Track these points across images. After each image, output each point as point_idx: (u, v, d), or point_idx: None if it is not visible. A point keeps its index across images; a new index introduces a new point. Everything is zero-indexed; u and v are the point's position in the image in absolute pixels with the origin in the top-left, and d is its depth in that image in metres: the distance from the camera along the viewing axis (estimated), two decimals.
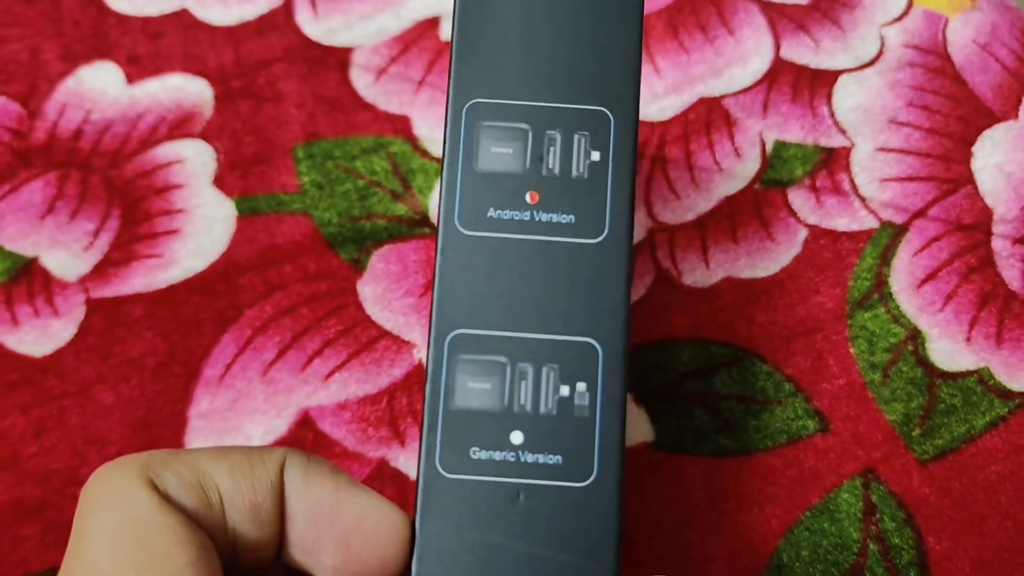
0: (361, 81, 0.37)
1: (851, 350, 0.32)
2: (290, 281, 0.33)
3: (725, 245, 0.34)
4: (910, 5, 0.39)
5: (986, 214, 0.35)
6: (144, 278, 0.33)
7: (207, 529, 0.18)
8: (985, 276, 0.33)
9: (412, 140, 0.36)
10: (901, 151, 0.36)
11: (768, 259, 0.34)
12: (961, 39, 0.39)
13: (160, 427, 0.31)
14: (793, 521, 0.29)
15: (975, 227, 0.34)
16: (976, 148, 0.36)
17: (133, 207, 0.35)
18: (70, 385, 0.31)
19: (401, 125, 0.36)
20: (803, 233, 0.34)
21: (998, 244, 0.34)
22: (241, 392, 0.31)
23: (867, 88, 0.37)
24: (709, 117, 0.36)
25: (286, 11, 0.39)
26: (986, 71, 0.38)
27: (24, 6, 0.39)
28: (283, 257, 0.34)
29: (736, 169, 0.35)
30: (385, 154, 0.36)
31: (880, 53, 0.38)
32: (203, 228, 0.34)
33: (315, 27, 0.39)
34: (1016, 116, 0.37)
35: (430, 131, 0.36)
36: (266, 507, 0.19)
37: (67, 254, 0.34)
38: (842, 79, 0.37)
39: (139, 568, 0.17)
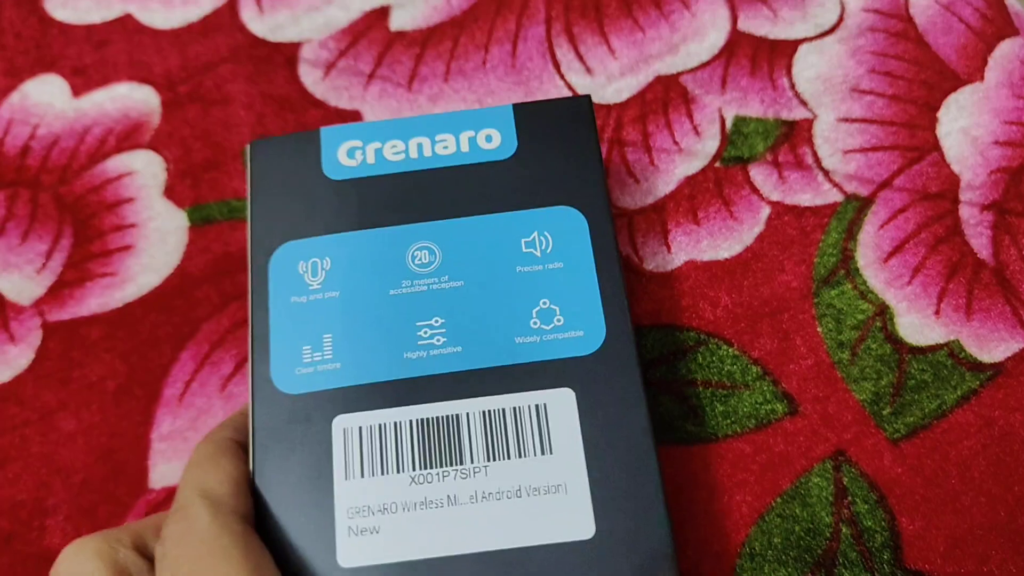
0: (310, 77, 0.37)
1: (818, 329, 0.32)
2: (245, 290, 0.33)
3: (687, 227, 0.33)
4: None
5: (953, 181, 0.34)
6: (100, 298, 0.33)
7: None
8: (953, 246, 0.33)
9: None
10: (864, 120, 0.35)
11: (731, 239, 0.33)
12: (923, 0, 0.38)
13: (123, 452, 0.30)
14: (764, 508, 0.29)
15: (942, 195, 0.34)
16: (941, 113, 0.35)
17: (85, 224, 0.34)
18: (30, 413, 0.31)
19: (351, 120, 0.36)
20: (766, 211, 0.34)
21: (966, 212, 0.33)
22: (201, 410, 0.31)
23: (828, 57, 0.36)
24: (666, 96, 0.36)
25: (230, 9, 0.38)
26: (950, 32, 0.37)
27: None
28: (237, 266, 0.33)
29: (696, 148, 0.35)
30: None
31: (840, 19, 0.37)
32: (156, 242, 0.34)
33: (261, 24, 0.38)
34: (982, 77, 0.36)
35: None
36: None
37: (20, 277, 0.33)
38: (802, 49, 0.36)
39: None
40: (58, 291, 0.33)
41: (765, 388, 0.31)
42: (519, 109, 0.28)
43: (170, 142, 0.35)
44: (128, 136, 0.35)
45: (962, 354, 0.31)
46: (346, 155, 0.28)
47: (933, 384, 0.31)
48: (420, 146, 0.28)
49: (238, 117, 0.36)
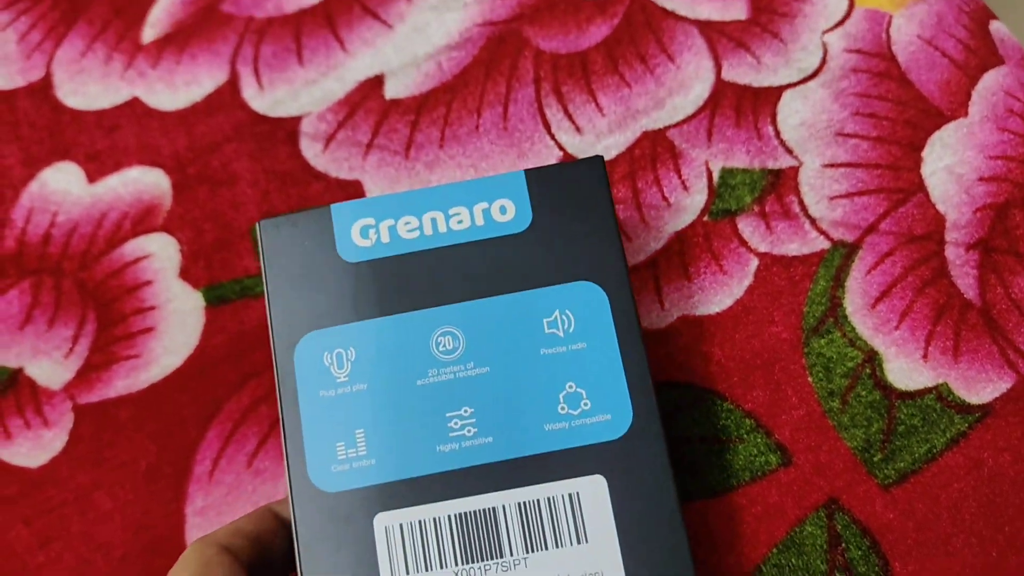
0: (311, 150, 0.38)
1: (809, 379, 0.33)
2: (262, 368, 0.34)
3: (678, 283, 0.34)
4: (852, 6, 0.39)
5: (938, 222, 0.35)
6: (126, 380, 0.35)
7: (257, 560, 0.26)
8: (939, 288, 0.34)
9: None
10: (849, 165, 0.36)
11: (721, 293, 0.34)
12: (905, 36, 0.38)
13: (159, 527, 0.32)
14: (761, 559, 0.30)
15: (928, 237, 0.35)
16: (925, 153, 0.36)
17: (107, 308, 0.36)
18: (68, 493, 0.33)
19: (353, 191, 0.37)
20: (755, 263, 0.35)
21: (951, 253, 0.34)
22: (231, 486, 0.33)
23: (812, 102, 0.37)
24: (654, 151, 0.37)
25: (232, 87, 0.39)
26: (933, 68, 0.38)
27: None
28: (253, 344, 0.35)
29: (684, 203, 0.36)
30: None
31: (823, 62, 0.38)
32: (176, 323, 0.35)
33: (261, 100, 0.39)
34: (965, 113, 0.37)
35: (382, 193, 0.37)
36: (280, 527, 0.27)
37: (50, 362, 0.35)
38: (786, 95, 0.37)
39: None
40: (86, 375, 0.35)
41: (759, 440, 0.32)
42: (532, 176, 0.28)
43: (182, 224, 0.37)
44: (142, 219, 0.37)
45: (950, 397, 0.32)
46: (359, 234, 0.28)
47: (922, 428, 0.32)
48: (434, 221, 0.28)
49: (245, 195, 0.37)
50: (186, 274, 0.36)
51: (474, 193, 0.28)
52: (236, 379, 0.34)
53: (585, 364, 0.26)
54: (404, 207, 0.28)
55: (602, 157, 0.29)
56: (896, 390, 0.32)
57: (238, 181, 0.38)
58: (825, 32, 0.38)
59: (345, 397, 0.26)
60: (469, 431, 0.26)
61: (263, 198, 0.37)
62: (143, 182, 0.38)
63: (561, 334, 0.27)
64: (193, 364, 0.35)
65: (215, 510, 0.33)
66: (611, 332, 0.27)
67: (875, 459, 0.32)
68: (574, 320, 0.27)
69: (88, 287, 0.36)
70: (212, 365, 0.35)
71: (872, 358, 0.33)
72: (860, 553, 0.30)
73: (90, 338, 0.35)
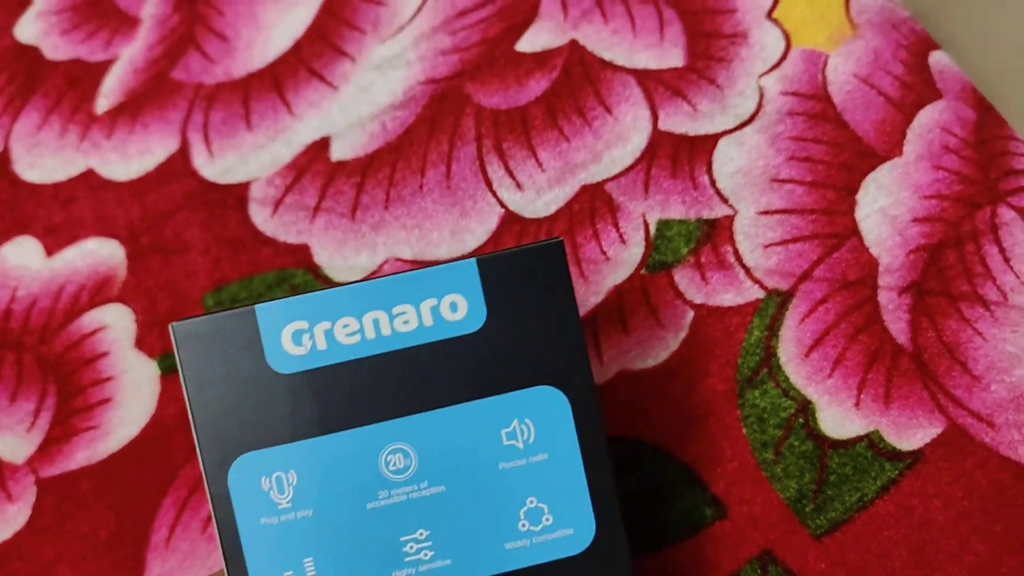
0: (260, 216, 0.39)
1: (743, 430, 0.33)
2: None
3: (616, 339, 0.35)
4: (788, 47, 0.39)
5: (872, 266, 0.35)
6: (86, 451, 0.36)
7: None
8: (872, 334, 0.34)
9: (314, 269, 0.38)
10: (784, 211, 0.37)
11: (659, 346, 0.35)
12: (842, 76, 0.39)
13: None
14: None
15: (861, 282, 0.35)
16: (860, 195, 0.37)
17: (67, 380, 0.37)
18: (33, 567, 0.34)
19: (302, 255, 0.38)
20: (690, 315, 0.35)
21: (884, 297, 0.35)
22: (187, 552, 0.34)
23: (747, 148, 0.38)
24: (593, 205, 0.37)
25: (183, 155, 0.40)
26: (868, 107, 0.38)
27: None
28: None
29: (622, 256, 0.36)
30: (289, 287, 0.38)
31: (759, 107, 0.38)
32: (132, 393, 0.37)
33: (212, 167, 0.40)
34: (900, 152, 0.37)
35: (329, 257, 0.38)
36: None
37: (13, 437, 0.36)
38: (721, 143, 0.38)
39: None
40: (48, 448, 0.36)
41: (695, 494, 0.33)
42: (484, 265, 0.26)
43: (137, 294, 0.38)
44: (99, 291, 0.38)
45: (881, 444, 0.33)
46: (292, 341, 0.25)
47: (854, 477, 0.32)
48: (377, 323, 0.25)
49: (197, 263, 0.38)
50: (141, 344, 0.37)
51: (421, 287, 0.25)
52: (189, 447, 0.35)
53: (546, 477, 0.25)
54: (341, 307, 0.25)
55: (562, 241, 0.26)
56: (829, 439, 0.33)
57: (190, 249, 0.39)
58: (762, 75, 0.39)
59: (289, 524, 0.25)
60: (426, 555, 0.25)
61: (215, 265, 0.38)
62: (99, 253, 0.39)
63: (521, 445, 0.25)
64: (149, 433, 0.36)
65: None
66: (574, 441, 0.25)
67: (807, 509, 0.32)
68: (534, 430, 0.25)
69: (48, 360, 0.38)
70: (167, 434, 0.36)
71: (805, 407, 0.34)
72: None
73: (51, 411, 0.37)
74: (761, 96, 0.38)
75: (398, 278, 0.26)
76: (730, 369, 0.34)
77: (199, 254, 0.39)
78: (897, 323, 0.34)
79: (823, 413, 0.33)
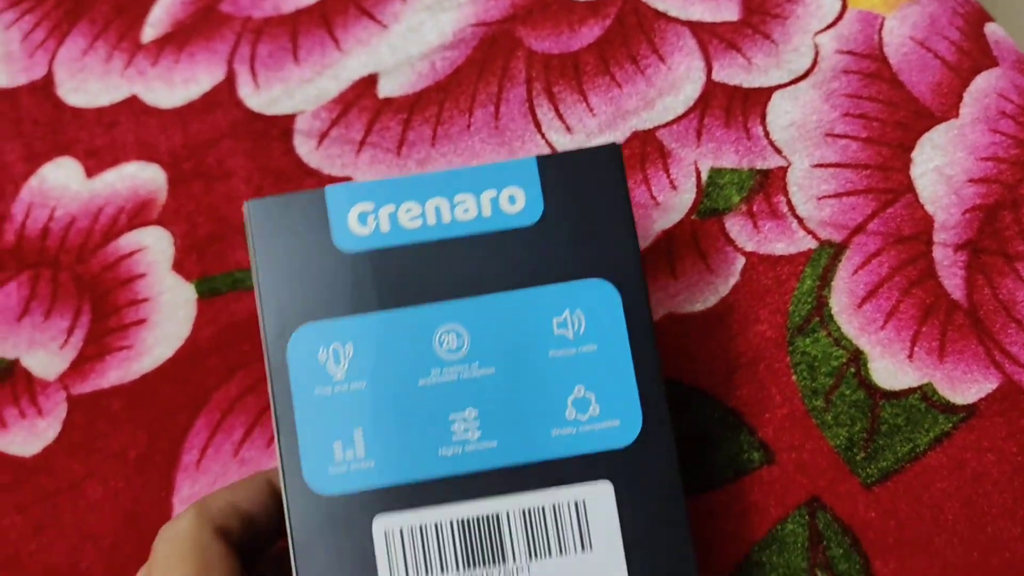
0: (304, 147, 0.39)
1: (793, 377, 0.33)
2: (250, 359, 0.35)
3: (664, 282, 0.35)
4: (844, 8, 0.39)
5: (927, 223, 0.35)
6: (119, 370, 0.35)
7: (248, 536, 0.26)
8: (926, 289, 0.34)
9: None
10: (838, 165, 0.36)
11: (707, 291, 0.34)
12: (897, 38, 0.38)
13: (148, 516, 0.33)
14: (741, 557, 0.30)
15: (916, 237, 0.35)
16: (915, 154, 0.36)
17: (102, 300, 0.36)
18: (61, 482, 0.34)
19: None
20: (741, 261, 0.35)
21: (939, 253, 0.34)
22: (218, 475, 0.33)
23: (802, 103, 0.37)
24: (644, 151, 0.37)
25: (228, 86, 0.40)
26: (924, 69, 0.38)
27: None
28: (242, 335, 0.35)
29: (672, 202, 0.36)
30: None
31: (814, 64, 0.38)
32: (168, 315, 0.36)
33: (257, 99, 0.40)
34: (956, 114, 0.37)
35: None
36: (270, 501, 0.27)
37: (45, 353, 0.36)
38: (776, 96, 0.37)
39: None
40: (80, 365, 0.35)
41: (742, 438, 0.32)
42: (544, 164, 0.27)
43: (177, 218, 0.37)
44: (138, 213, 0.38)
45: (935, 396, 0.32)
46: (357, 221, 0.26)
47: (906, 428, 0.32)
48: (438, 210, 0.26)
49: (239, 191, 0.38)
50: (179, 267, 0.37)
51: (482, 180, 0.26)
52: (225, 370, 0.35)
53: (595, 367, 0.25)
54: (406, 192, 0.26)
55: (619, 145, 0.27)
56: (880, 390, 0.32)
57: (232, 177, 0.38)
58: (817, 33, 0.38)
59: (342, 395, 0.25)
60: (473, 434, 0.25)
61: (256, 193, 0.38)
62: (140, 177, 0.39)
63: (571, 335, 0.26)
64: (184, 355, 0.35)
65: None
66: (623, 334, 0.26)
67: (858, 458, 0.32)
68: (585, 320, 0.26)
69: (84, 280, 0.37)
70: (202, 356, 0.35)
71: (857, 357, 0.33)
72: (841, 551, 0.30)
73: (85, 329, 0.36)
74: (816, 53, 0.38)
75: (462, 171, 0.27)
76: (780, 317, 0.34)
77: (241, 181, 0.38)
78: (952, 279, 0.34)
79: (875, 364, 0.33)
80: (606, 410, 0.25)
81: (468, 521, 0.24)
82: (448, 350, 0.25)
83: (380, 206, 0.26)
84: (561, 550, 0.24)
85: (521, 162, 0.27)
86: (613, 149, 0.27)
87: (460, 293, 0.26)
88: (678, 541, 0.25)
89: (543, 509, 0.24)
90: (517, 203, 0.26)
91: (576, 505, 0.25)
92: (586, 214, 0.26)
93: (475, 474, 0.25)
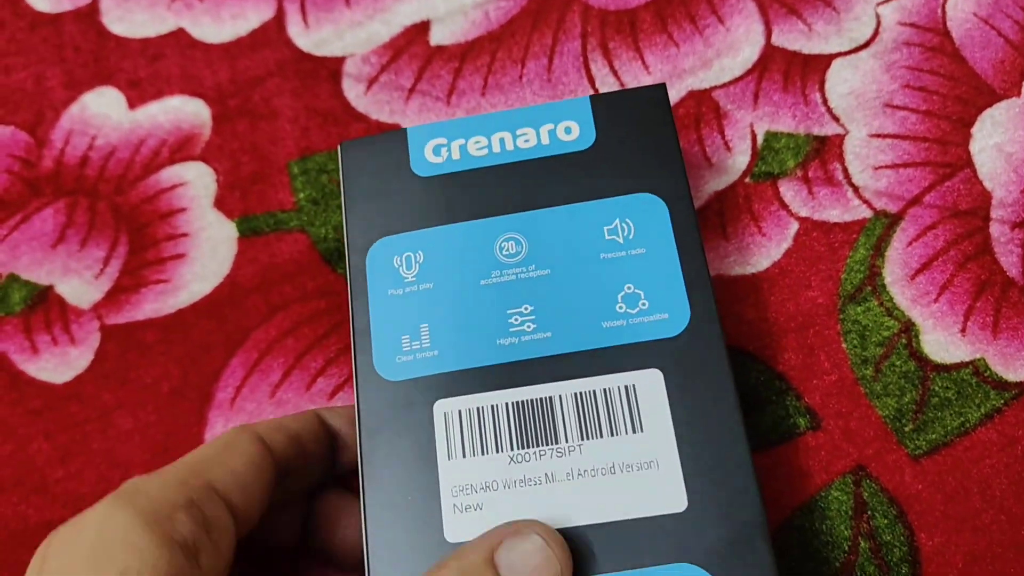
0: (353, 91, 0.38)
1: (843, 345, 0.32)
2: (290, 301, 0.34)
3: (715, 243, 0.34)
4: None
5: (984, 198, 0.34)
6: (154, 304, 0.35)
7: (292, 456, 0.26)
8: (982, 264, 0.33)
9: None
10: (896, 136, 0.35)
11: (759, 254, 0.34)
12: (961, 13, 0.38)
13: (178, 450, 0.32)
14: (783, 520, 0.30)
15: (972, 213, 0.34)
16: (975, 129, 0.35)
17: (140, 232, 0.36)
18: (91, 411, 0.33)
19: None
20: (795, 226, 0.34)
21: (996, 230, 0.34)
22: (252, 414, 0.33)
23: (861, 72, 0.37)
24: (699, 111, 0.36)
25: (278, 24, 0.39)
26: (987, 46, 0.37)
27: (27, 33, 0.40)
28: (283, 277, 0.35)
29: (726, 163, 0.35)
30: None
31: (875, 33, 0.37)
32: (207, 251, 0.35)
33: (306, 39, 0.39)
34: (1018, 93, 0.36)
35: None
36: (320, 429, 0.28)
37: (80, 282, 0.35)
38: (835, 64, 0.37)
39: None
40: (115, 296, 0.35)
41: (788, 403, 0.32)
42: (596, 100, 0.30)
43: (220, 155, 0.37)
44: (181, 148, 0.37)
45: (987, 372, 0.32)
46: (432, 153, 0.29)
47: (956, 402, 0.31)
48: (502, 141, 0.29)
49: (284, 131, 0.37)
50: (221, 204, 0.36)
51: (541, 116, 0.29)
52: (265, 310, 0.34)
53: (644, 267, 0.27)
54: (475, 129, 0.30)
55: (664, 84, 0.30)
56: (931, 362, 0.32)
57: (278, 116, 0.37)
58: (879, 4, 0.38)
59: (412, 295, 0.27)
60: (529, 327, 0.27)
61: (302, 134, 0.37)
62: (184, 111, 0.38)
63: (621, 240, 0.27)
64: (222, 292, 0.35)
65: None
66: (670, 238, 0.27)
67: (906, 429, 0.31)
68: (634, 228, 0.28)
69: (122, 211, 0.36)
70: (242, 295, 0.34)
71: (908, 329, 0.32)
72: (886, 522, 0.30)
73: (121, 260, 0.35)
74: (878, 23, 0.37)
75: (523, 109, 0.30)
76: (832, 284, 0.33)
77: (287, 121, 0.37)
78: (1008, 256, 0.33)
79: (927, 336, 0.32)
80: (655, 305, 0.27)
81: (522, 404, 0.26)
82: (507, 255, 0.28)
83: (452, 140, 0.30)
84: (613, 431, 0.25)
85: (576, 101, 0.30)
86: (660, 87, 0.30)
87: (519, 207, 0.28)
88: (729, 423, 0.25)
89: (594, 393, 0.26)
90: (572, 133, 0.29)
91: (627, 389, 0.26)
92: (635, 141, 0.29)
93: (530, 361, 0.26)
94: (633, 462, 0.25)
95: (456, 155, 0.29)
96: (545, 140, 0.29)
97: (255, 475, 0.24)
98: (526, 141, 0.29)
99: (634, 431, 0.25)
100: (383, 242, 0.28)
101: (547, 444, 0.25)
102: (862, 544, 0.30)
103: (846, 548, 0.29)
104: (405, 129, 0.30)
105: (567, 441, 0.25)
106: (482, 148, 0.29)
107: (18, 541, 0.32)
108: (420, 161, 0.29)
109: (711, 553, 0.24)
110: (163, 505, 0.22)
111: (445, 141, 0.29)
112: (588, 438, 0.25)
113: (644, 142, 0.29)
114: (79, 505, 0.32)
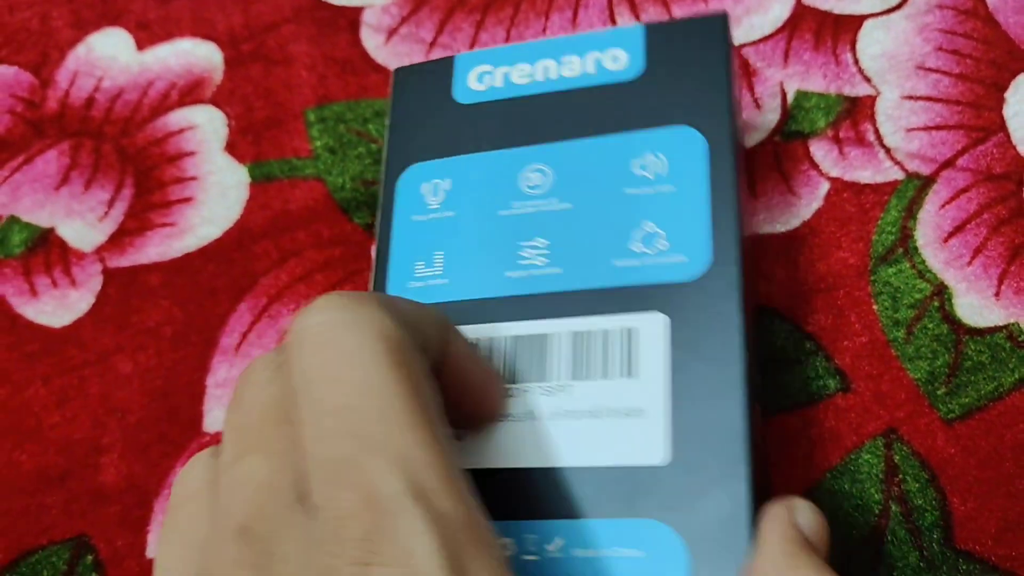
0: (372, 42, 0.37)
1: (874, 307, 0.31)
2: (304, 247, 0.33)
3: (743, 200, 0.33)
4: None
5: (1018, 163, 0.33)
6: (159, 247, 0.33)
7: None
8: (1016, 228, 0.32)
9: None
10: (929, 99, 0.35)
11: (789, 214, 0.33)
12: None
13: (178, 396, 0.31)
14: (812, 483, 0.29)
15: (1006, 177, 0.33)
16: (1009, 94, 0.35)
17: (146, 175, 0.35)
18: (89, 355, 0.32)
19: None
20: (825, 186, 0.33)
21: None
22: None
23: (894, 33, 0.36)
24: None
25: None
26: (1021, 11, 0.36)
27: None
28: (296, 223, 0.33)
29: (756, 121, 0.34)
30: None
31: None
32: (216, 195, 0.34)
33: None
34: None
35: None
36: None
37: (83, 224, 0.34)
38: (867, 24, 0.36)
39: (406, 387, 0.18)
40: (119, 239, 0.34)
41: (817, 363, 0.31)
42: (651, 29, 0.28)
43: (232, 99, 0.36)
44: (191, 91, 0.36)
45: (1021, 337, 0.31)
46: (476, 80, 0.29)
47: (990, 366, 0.30)
48: (547, 68, 0.28)
49: (300, 78, 0.36)
50: (232, 148, 0.35)
51: (590, 43, 0.28)
52: (277, 256, 0.33)
53: (670, 206, 0.25)
54: (522, 56, 0.29)
55: (726, 14, 0.28)
56: (965, 325, 0.31)
57: (294, 63, 0.36)
58: None
59: (434, 223, 0.27)
60: (540, 261, 0.26)
61: (319, 82, 0.36)
62: (194, 54, 0.37)
63: (651, 176, 0.26)
64: (231, 237, 0.33)
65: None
66: (704, 178, 0.25)
67: (939, 392, 0.30)
68: (667, 163, 0.26)
69: (128, 153, 0.35)
70: (252, 240, 0.33)
71: (941, 291, 0.31)
72: (918, 486, 0.29)
73: (126, 203, 0.34)
74: None
75: (573, 37, 0.29)
76: (863, 244, 0.32)
77: (303, 68, 0.36)
78: None
79: (960, 299, 0.31)
80: (675, 246, 0.25)
81: (519, 339, 0.25)
82: (531, 186, 0.27)
83: (497, 67, 0.29)
84: (605, 374, 0.24)
85: (629, 28, 0.28)
86: (718, 19, 0.28)
87: (552, 137, 0.27)
88: (730, 385, 0.23)
89: (592, 334, 0.24)
90: (620, 62, 0.28)
91: (628, 333, 0.24)
92: (685, 72, 0.27)
93: (536, 296, 0.25)
94: (621, 407, 0.23)
95: (499, 82, 0.28)
96: (591, 69, 0.28)
97: None
98: (571, 69, 0.28)
99: (628, 376, 0.24)
100: (415, 168, 0.28)
101: (536, 381, 0.24)
102: (893, 508, 0.28)
103: (877, 512, 0.28)
104: (454, 57, 0.29)
105: (557, 379, 0.24)
106: (525, 76, 0.28)
107: (12, 488, 0.30)
108: (462, 88, 0.29)
109: (687, 516, 0.22)
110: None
111: (490, 68, 0.29)
112: (579, 379, 0.24)
113: (694, 74, 0.27)
114: (73, 451, 0.30)
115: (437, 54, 0.36)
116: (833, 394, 0.30)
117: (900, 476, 0.29)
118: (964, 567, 0.27)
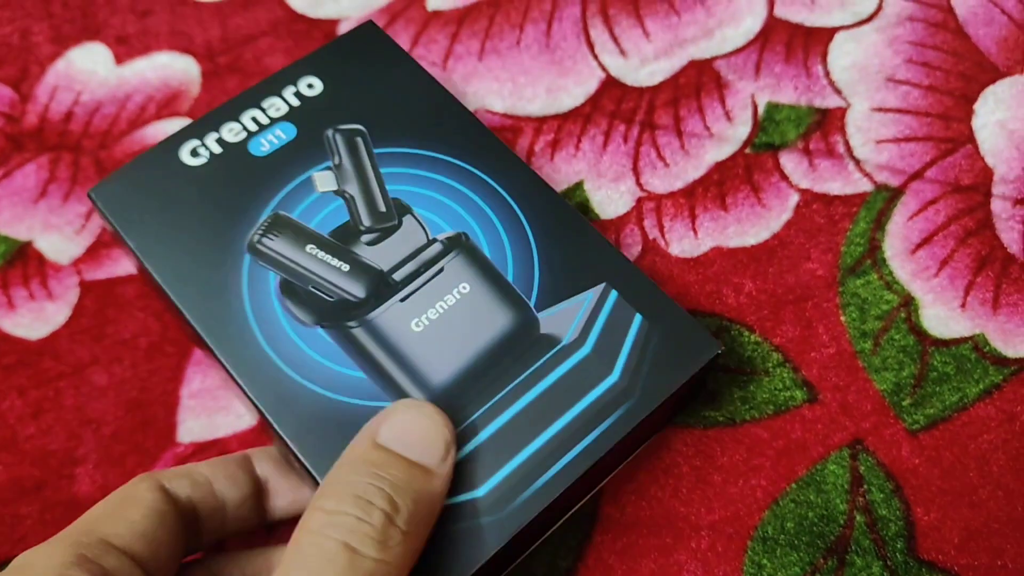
0: None
1: (842, 318, 0.32)
2: None
3: (714, 213, 0.33)
4: None
5: (986, 174, 0.34)
6: None
7: (199, 501, 0.25)
8: (983, 239, 0.33)
9: None
10: (898, 110, 0.35)
11: (758, 226, 0.33)
12: None
13: (153, 406, 0.31)
14: (779, 492, 0.29)
15: (974, 188, 0.33)
16: (978, 105, 0.35)
17: None
18: (65, 367, 0.32)
19: None
20: (795, 198, 0.34)
21: (998, 206, 0.33)
22: None
23: (864, 46, 0.36)
24: (699, 80, 0.36)
25: None
26: (991, 23, 0.37)
27: None
28: None
29: (727, 134, 0.35)
30: None
31: (879, 8, 0.37)
32: None
33: (301, 0, 0.38)
34: (1022, 71, 0.36)
35: None
36: (239, 474, 0.26)
37: (60, 237, 0.34)
38: (838, 37, 0.36)
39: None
40: (96, 251, 0.34)
41: (785, 375, 0.31)
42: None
43: (208, 111, 0.36)
44: (168, 104, 0.36)
45: (986, 348, 0.31)
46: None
47: (955, 377, 0.31)
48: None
49: None
50: None
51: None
52: None
53: None
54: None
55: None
56: (931, 336, 0.31)
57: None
58: None
59: None
60: None
61: None
62: (172, 68, 0.37)
63: None
64: None
65: (210, 395, 0.31)
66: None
67: (904, 403, 0.30)
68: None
69: (106, 166, 0.35)
70: None
71: (908, 303, 0.32)
72: (882, 496, 0.29)
73: None
74: None
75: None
76: (832, 256, 0.32)
77: None
78: (1010, 232, 0.33)
79: (927, 311, 0.32)
80: None
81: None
82: None
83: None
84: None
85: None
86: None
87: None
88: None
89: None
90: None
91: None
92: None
93: None
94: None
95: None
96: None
97: (157, 523, 0.23)
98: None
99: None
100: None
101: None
102: (858, 518, 0.29)
103: (842, 522, 0.29)
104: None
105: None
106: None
107: None
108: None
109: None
110: (50, 571, 0.21)
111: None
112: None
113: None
114: (48, 462, 0.31)
115: None
116: (800, 405, 0.30)
117: (865, 487, 0.29)
118: None
